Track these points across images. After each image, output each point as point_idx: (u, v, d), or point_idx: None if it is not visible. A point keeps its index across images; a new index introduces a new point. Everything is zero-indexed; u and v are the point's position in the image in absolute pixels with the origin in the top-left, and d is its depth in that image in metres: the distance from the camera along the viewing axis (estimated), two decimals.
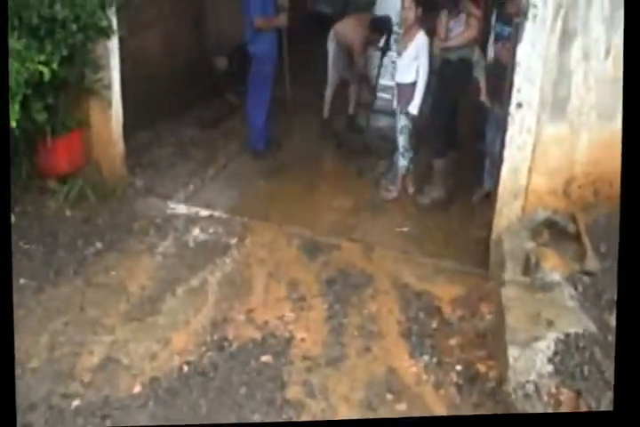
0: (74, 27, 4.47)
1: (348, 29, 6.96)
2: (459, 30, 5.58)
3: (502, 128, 4.63)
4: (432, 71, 5.68)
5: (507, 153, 4.60)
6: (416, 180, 6.10)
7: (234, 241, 5.11)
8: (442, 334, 4.30)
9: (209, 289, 4.58)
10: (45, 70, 4.23)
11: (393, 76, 5.86)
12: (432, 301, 4.62)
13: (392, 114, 6.27)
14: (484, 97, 5.65)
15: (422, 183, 6.10)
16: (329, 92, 7.30)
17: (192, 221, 5.31)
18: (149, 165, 6.23)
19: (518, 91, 4.44)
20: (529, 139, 4.53)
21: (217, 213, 5.48)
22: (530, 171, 4.60)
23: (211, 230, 5.21)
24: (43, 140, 5.04)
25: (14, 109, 3.98)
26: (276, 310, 4.42)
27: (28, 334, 4.06)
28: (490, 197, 5.02)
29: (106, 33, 4.88)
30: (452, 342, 4.25)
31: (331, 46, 7.09)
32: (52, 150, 5.10)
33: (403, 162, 5.93)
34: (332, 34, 7.05)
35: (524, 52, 4.36)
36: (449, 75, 5.70)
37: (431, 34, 5.69)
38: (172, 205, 5.53)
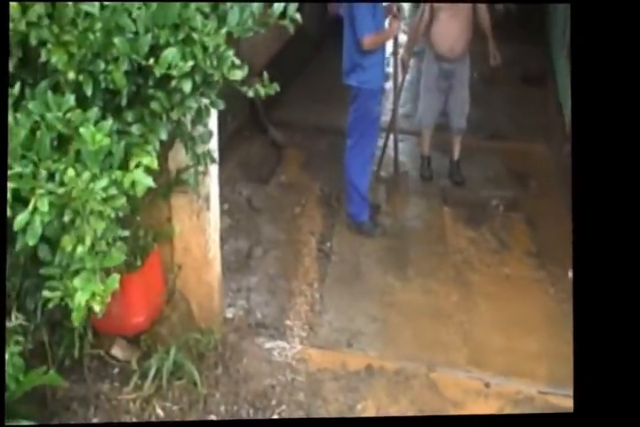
0: (187, 86, 2.12)
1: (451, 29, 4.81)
2: None
3: None
4: None
5: None
6: None
7: None
8: None
9: None
10: None
11: None
12: None
13: None
14: None
15: None
16: (426, 129, 5.21)
17: (355, 393, 3.05)
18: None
19: None
20: None
21: (390, 365, 3.23)
22: None
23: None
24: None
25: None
26: None
27: None
28: None
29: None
30: None
31: (426, 63, 5.03)
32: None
33: None
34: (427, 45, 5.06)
35: None
36: None
37: None
38: (294, 352, 3.28)
